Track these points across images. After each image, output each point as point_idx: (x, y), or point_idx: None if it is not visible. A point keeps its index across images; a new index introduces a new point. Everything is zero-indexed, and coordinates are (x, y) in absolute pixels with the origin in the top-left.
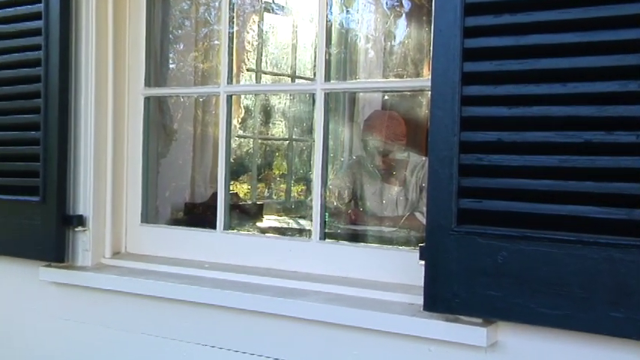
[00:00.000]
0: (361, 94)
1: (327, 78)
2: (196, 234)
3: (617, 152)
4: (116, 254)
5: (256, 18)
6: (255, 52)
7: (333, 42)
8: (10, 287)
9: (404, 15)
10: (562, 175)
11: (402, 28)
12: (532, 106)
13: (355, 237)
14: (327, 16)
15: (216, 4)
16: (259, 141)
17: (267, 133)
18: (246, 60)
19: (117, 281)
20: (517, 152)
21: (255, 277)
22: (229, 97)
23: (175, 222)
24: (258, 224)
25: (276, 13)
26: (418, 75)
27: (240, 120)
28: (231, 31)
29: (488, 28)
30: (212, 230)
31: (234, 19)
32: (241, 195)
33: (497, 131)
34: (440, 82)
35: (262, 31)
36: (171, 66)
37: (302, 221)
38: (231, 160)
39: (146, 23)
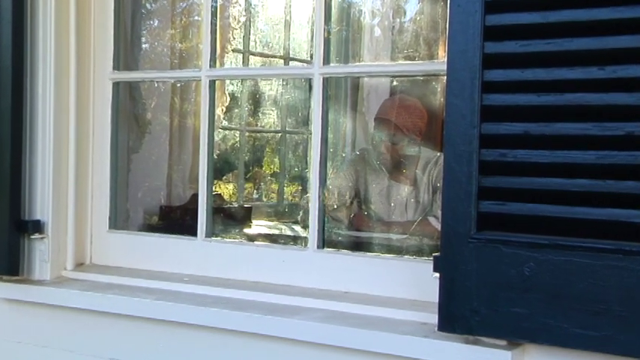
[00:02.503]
0: (366, 79)
1: (326, 60)
2: (174, 242)
3: None
4: (80, 266)
5: None
6: (243, 30)
7: (333, 18)
8: None
9: None
10: (599, 173)
11: (413, 3)
12: (564, 94)
13: (358, 245)
14: None
15: None
16: (247, 133)
17: (256, 125)
18: (231, 39)
19: (80, 297)
20: (547, 147)
21: (242, 292)
22: (212, 83)
23: (149, 228)
24: (246, 231)
25: None
26: (432, 57)
27: (224, 109)
28: (214, 4)
29: (513, 2)
30: (192, 237)
31: None
32: (226, 197)
33: (523, 122)
34: (457, 65)
35: (250, 4)
36: (143, 46)
37: (297, 227)
38: (215, 156)
39: None
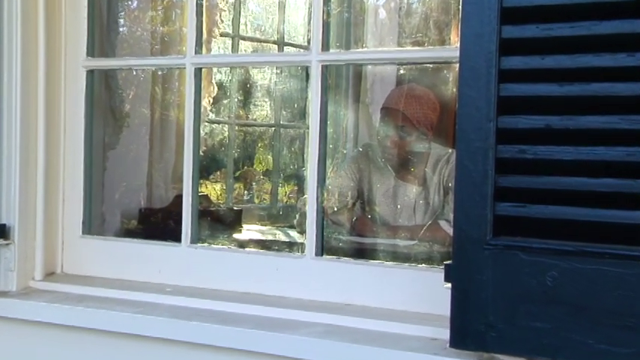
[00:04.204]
0: (369, 67)
1: (326, 46)
2: (155, 249)
3: None
4: (50, 275)
5: None
6: (232, 12)
7: None
8: None
9: None
10: (629, 172)
11: None
12: (590, 83)
13: (361, 252)
14: None
15: None
16: (237, 127)
17: (247, 118)
18: (219, 22)
19: (50, 310)
20: (571, 142)
21: (231, 304)
22: (198, 71)
23: (127, 233)
24: (236, 236)
25: None
26: (443, 43)
27: (211, 100)
28: None
29: None
30: (175, 244)
31: None
32: (213, 198)
33: (545, 115)
34: (471, 51)
35: None
36: (121, 30)
37: (292, 232)
38: (201, 153)
39: None
